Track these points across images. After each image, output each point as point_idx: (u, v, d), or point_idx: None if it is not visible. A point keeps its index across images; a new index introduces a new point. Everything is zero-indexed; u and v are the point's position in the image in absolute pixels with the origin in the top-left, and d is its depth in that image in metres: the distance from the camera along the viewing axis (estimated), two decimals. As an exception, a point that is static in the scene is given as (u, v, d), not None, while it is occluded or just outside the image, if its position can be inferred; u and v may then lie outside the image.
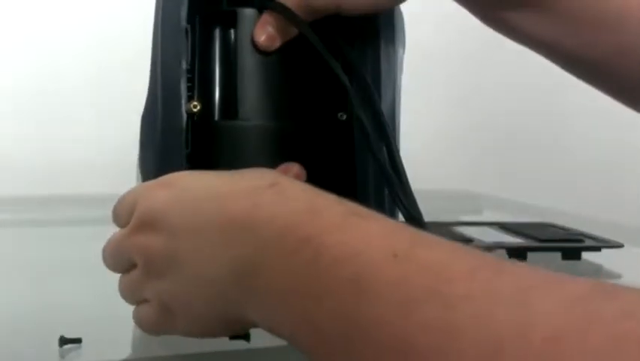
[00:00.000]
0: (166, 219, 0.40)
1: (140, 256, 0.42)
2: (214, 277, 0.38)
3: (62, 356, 0.49)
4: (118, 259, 0.45)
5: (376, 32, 0.49)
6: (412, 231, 0.34)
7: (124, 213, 0.44)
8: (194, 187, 0.41)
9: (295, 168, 0.46)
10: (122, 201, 0.45)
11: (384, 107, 0.48)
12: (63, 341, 0.49)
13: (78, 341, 0.49)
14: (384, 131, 0.45)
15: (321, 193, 0.37)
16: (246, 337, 0.50)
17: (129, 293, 0.45)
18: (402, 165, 0.45)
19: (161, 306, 0.42)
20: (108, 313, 0.57)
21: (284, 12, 0.48)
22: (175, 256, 0.40)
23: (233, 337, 0.50)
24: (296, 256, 0.34)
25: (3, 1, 1.21)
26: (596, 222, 0.93)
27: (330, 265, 0.32)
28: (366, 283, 0.31)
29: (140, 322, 0.45)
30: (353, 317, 0.31)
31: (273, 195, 0.37)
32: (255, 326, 0.40)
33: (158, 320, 0.43)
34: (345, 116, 0.48)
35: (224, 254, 0.37)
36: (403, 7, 0.53)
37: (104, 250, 0.47)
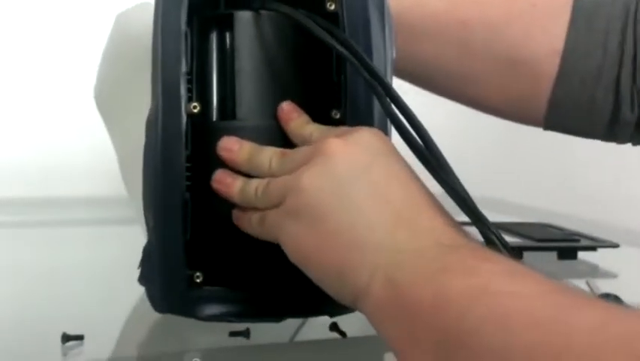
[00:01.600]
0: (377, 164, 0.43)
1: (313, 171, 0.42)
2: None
3: (65, 352, 0.49)
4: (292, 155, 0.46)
5: (367, 33, 0.49)
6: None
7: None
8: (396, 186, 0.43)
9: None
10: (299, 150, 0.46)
11: (377, 107, 0.48)
12: (65, 337, 0.50)
13: (80, 338, 0.50)
14: (402, 106, 0.46)
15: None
16: (246, 333, 0.51)
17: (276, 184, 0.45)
18: (430, 138, 0.46)
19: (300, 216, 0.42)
20: (110, 311, 0.58)
21: (282, 10, 0.49)
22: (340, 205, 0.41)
23: (233, 333, 0.51)
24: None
25: (3, 2, 1.21)
26: (592, 223, 0.94)
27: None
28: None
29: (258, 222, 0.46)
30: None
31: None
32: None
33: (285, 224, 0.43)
34: (338, 115, 0.49)
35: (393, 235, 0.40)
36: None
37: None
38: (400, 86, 0.53)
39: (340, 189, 0.42)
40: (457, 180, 0.44)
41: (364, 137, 0.44)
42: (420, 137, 0.45)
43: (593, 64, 0.59)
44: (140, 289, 0.49)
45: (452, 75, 0.64)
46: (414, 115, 0.46)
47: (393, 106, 0.46)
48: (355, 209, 0.41)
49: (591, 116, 0.61)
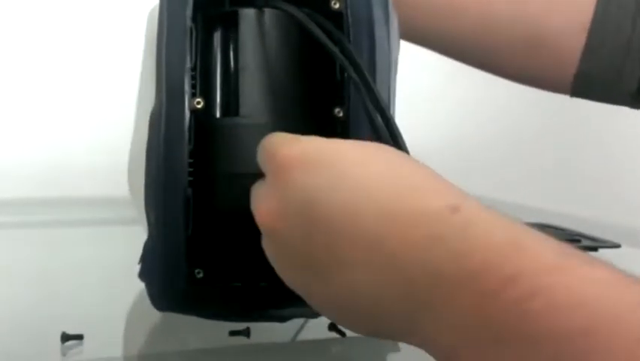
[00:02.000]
0: (317, 208, 0.36)
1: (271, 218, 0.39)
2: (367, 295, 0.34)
3: (64, 352, 0.49)
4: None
5: (371, 32, 0.49)
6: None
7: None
8: (357, 181, 0.36)
9: None
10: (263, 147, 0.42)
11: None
12: (65, 337, 0.50)
13: (80, 337, 0.50)
14: (386, 117, 0.46)
15: (515, 222, 0.32)
16: (246, 333, 0.51)
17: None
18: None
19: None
20: (110, 310, 0.58)
21: (286, 8, 0.49)
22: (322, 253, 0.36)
23: (233, 333, 0.51)
24: (495, 297, 0.29)
25: (3, 2, 1.22)
26: (593, 223, 0.94)
27: (547, 310, 0.28)
28: (601, 337, 0.27)
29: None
30: None
31: (459, 224, 0.32)
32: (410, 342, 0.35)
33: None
34: (341, 113, 0.50)
35: (391, 277, 0.33)
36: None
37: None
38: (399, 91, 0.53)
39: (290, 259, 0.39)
40: None
41: (298, 186, 0.38)
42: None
43: (622, 38, 0.59)
44: (140, 289, 0.49)
45: (473, 49, 0.64)
46: (397, 129, 0.45)
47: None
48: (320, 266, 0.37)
49: (618, 86, 0.61)
